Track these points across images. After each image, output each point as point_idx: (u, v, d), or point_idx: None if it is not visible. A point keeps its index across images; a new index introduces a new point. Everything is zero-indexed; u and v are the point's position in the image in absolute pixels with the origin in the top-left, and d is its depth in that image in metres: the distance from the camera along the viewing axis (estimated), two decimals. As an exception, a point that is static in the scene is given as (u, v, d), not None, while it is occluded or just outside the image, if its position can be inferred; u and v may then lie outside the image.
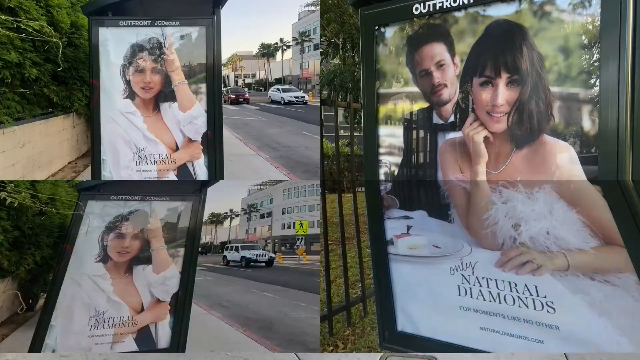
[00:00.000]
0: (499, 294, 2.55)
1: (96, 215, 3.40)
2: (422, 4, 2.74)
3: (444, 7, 2.66)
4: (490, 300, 2.57)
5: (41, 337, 3.11)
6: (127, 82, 3.67)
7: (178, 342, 3.29)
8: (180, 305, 3.33)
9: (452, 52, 2.66)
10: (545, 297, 2.45)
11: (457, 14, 2.64)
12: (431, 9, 2.71)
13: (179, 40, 3.65)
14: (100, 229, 3.39)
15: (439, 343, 2.72)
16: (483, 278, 2.57)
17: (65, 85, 4.66)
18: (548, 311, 2.44)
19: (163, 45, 3.62)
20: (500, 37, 2.49)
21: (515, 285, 2.51)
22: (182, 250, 3.47)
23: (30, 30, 3.45)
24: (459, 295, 2.65)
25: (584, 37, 2.31)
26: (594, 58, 2.29)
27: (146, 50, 3.63)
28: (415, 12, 2.77)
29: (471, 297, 2.62)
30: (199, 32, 3.67)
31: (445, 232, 2.68)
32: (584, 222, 2.31)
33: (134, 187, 3.63)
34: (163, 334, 3.31)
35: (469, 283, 2.62)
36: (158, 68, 3.65)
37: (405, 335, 2.86)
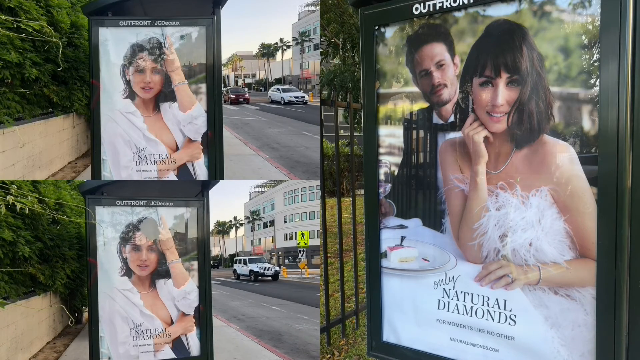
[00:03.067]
0: (472, 307, 2.68)
1: (108, 224, 3.54)
2: (422, 4, 2.72)
3: (444, 7, 2.64)
4: (463, 314, 2.72)
5: (96, 347, 3.49)
6: (127, 82, 3.66)
7: (207, 351, 3.72)
8: (203, 319, 3.71)
9: (452, 52, 2.65)
10: (510, 310, 2.56)
11: (457, 14, 2.62)
12: (431, 9, 2.69)
13: (179, 40, 3.64)
14: (115, 240, 3.56)
15: (415, 351, 2.92)
16: (461, 292, 2.70)
17: (65, 85, 4.66)
18: (509, 323, 2.57)
19: (163, 45, 3.61)
20: (500, 37, 2.48)
21: (488, 299, 2.62)
22: (195, 264, 3.73)
23: (31, 30, 3.44)
24: (438, 309, 2.81)
25: (584, 37, 2.30)
26: (594, 58, 2.28)
27: (146, 50, 3.63)
28: (415, 12, 2.76)
29: (448, 310, 2.77)
30: (199, 32, 3.66)
31: (436, 244, 2.78)
32: (568, 231, 2.35)
33: (135, 188, 3.68)
34: (193, 343, 3.69)
35: (448, 297, 2.76)
36: (158, 68, 3.64)
37: (389, 345, 3.04)
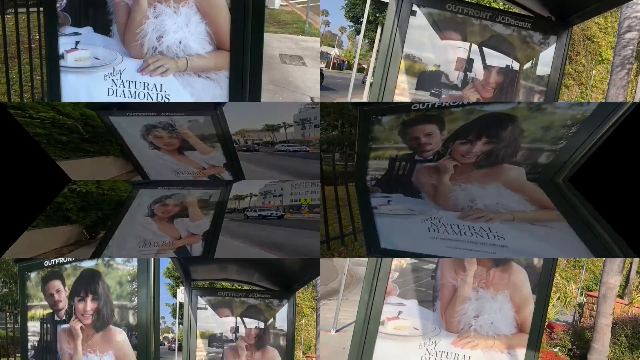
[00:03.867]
0: (460, 230, 2.40)
1: (147, 196, 3.66)
2: (420, 104, 2.51)
3: (443, 105, 2.44)
4: (453, 234, 2.42)
5: (99, 251, 3.32)
6: (150, 142, 3.56)
7: (208, 253, 3.38)
8: (210, 235, 3.43)
9: (442, 129, 2.51)
10: (496, 232, 2.32)
11: (455, 109, 2.42)
12: (429, 107, 2.47)
13: (187, 122, 3.46)
14: (149, 201, 3.61)
15: (414, 253, 2.60)
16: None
17: (97, 144, 4.50)
18: (498, 239, 2.30)
19: (173, 125, 3.48)
20: (491, 121, 2.35)
21: (473, 227, 2.38)
22: (212, 212, 3.63)
23: (44, 118, 3.38)
24: (429, 231, 2.51)
25: (569, 121, 2.19)
26: (571, 132, 2.18)
27: (159, 127, 3.52)
28: (414, 109, 2.53)
29: (438, 232, 2.47)
30: (205, 119, 3.44)
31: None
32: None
33: (175, 182, 3.81)
34: (196, 249, 3.37)
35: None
36: (174, 135, 3.52)
37: (387, 250, 2.72)
